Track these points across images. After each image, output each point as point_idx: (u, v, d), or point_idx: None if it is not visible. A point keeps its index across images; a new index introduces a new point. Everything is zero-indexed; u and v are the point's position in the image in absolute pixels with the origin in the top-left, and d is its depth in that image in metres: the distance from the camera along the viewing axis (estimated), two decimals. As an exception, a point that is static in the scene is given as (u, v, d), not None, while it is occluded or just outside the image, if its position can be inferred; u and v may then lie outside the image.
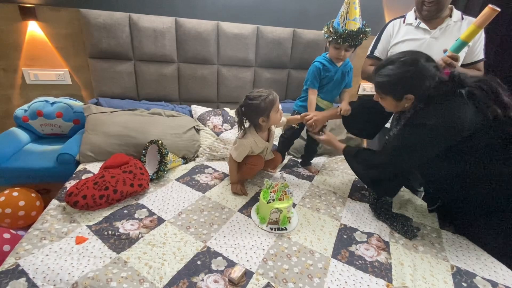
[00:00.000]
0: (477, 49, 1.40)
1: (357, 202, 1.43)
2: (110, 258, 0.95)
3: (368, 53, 1.62)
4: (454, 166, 1.06)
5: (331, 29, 1.33)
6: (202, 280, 0.89)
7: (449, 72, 1.02)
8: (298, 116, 1.48)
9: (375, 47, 1.58)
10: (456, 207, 1.22)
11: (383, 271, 1.00)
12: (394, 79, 1.01)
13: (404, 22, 1.48)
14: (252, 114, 1.28)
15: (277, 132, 1.78)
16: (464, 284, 0.97)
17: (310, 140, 1.67)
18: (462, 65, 1.40)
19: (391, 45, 1.51)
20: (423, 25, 1.41)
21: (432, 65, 0.99)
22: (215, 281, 0.89)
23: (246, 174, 1.45)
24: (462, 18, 1.38)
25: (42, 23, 1.72)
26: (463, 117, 0.94)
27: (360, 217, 1.31)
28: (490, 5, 1.01)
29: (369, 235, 1.18)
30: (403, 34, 1.46)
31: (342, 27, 1.29)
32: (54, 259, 0.91)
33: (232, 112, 1.98)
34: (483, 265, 1.05)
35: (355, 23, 1.28)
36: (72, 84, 1.91)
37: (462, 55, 1.33)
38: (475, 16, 1.13)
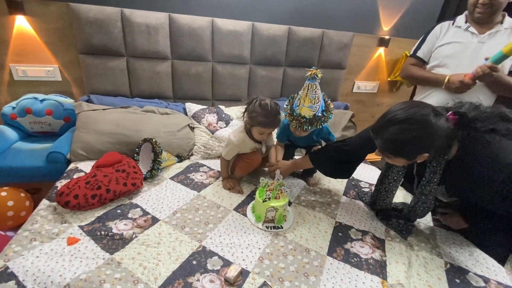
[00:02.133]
0: None
1: (352, 199, 1.44)
2: (103, 259, 0.93)
3: (412, 52, 1.61)
4: None
5: (290, 111, 1.27)
6: (198, 280, 0.88)
7: (455, 115, 0.91)
8: (272, 157, 1.49)
9: (419, 47, 1.57)
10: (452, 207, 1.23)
11: (378, 268, 1.01)
12: (403, 144, 0.88)
13: (453, 25, 1.47)
14: (245, 112, 1.32)
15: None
16: (457, 280, 0.98)
17: None
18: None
19: (436, 46, 1.51)
20: (472, 28, 1.40)
21: (443, 120, 0.86)
22: (211, 281, 0.88)
23: (242, 170, 1.43)
24: None
25: (30, 17, 1.66)
26: (507, 149, 0.86)
27: (355, 214, 1.31)
28: None
29: (364, 233, 1.19)
30: (451, 36, 1.46)
31: (297, 108, 1.24)
32: (45, 261, 0.89)
33: (227, 110, 1.96)
34: (475, 261, 1.07)
35: (310, 110, 1.21)
36: (62, 81, 1.86)
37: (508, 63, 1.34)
38: None
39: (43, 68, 1.79)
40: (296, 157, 1.66)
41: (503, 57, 1.17)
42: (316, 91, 1.20)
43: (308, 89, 1.20)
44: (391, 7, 2.31)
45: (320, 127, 1.29)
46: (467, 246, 1.15)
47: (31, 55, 1.74)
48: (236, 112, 1.95)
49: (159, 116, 1.76)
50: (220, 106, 2.00)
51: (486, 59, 1.23)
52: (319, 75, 1.18)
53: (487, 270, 1.04)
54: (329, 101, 1.31)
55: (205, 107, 1.95)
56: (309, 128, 1.25)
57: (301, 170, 1.62)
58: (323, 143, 1.50)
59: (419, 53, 1.57)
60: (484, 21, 1.37)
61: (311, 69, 1.19)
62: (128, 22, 1.72)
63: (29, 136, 1.77)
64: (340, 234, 1.17)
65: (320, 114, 1.24)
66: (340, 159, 1.27)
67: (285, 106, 1.32)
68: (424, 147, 0.88)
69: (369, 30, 2.34)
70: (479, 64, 1.30)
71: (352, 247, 1.11)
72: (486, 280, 0.99)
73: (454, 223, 1.21)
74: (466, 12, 1.46)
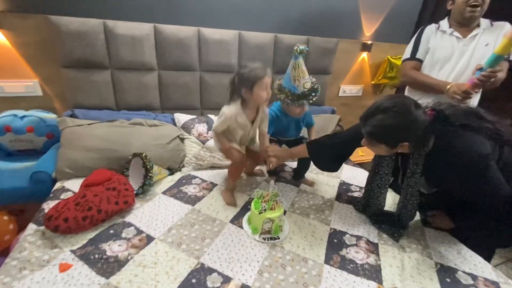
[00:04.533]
0: None
1: (344, 204, 1.47)
2: (99, 284, 0.90)
3: (408, 56, 1.63)
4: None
5: (287, 91, 1.36)
6: (199, 299, 0.88)
7: (432, 110, 1.01)
8: (266, 143, 1.45)
9: (416, 49, 1.61)
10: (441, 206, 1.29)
11: (373, 273, 1.04)
12: (388, 129, 0.98)
13: (438, 29, 1.55)
14: (238, 83, 1.25)
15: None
16: (448, 280, 1.03)
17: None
18: None
19: (431, 48, 1.56)
20: (456, 33, 1.49)
21: (421, 112, 0.97)
22: (212, 299, 0.88)
23: (231, 176, 1.43)
24: (492, 25, 1.46)
25: (7, 31, 1.58)
26: (479, 142, 0.95)
27: (348, 219, 1.35)
28: None
29: (358, 238, 1.22)
30: (438, 41, 1.54)
31: (298, 87, 1.33)
32: (37, 291, 0.85)
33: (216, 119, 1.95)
34: (463, 259, 1.13)
35: (310, 81, 1.36)
36: (43, 96, 1.79)
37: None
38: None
39: (22, 83, 1.71)
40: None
41: (497, 58, 1.21)
42: (302, 63, 1.30)
43: (298, 66, 1.29)
44: (372, 13, 2.39)
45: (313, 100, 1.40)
46: (455, 244, 1.21)
47: (9, 70, 1.66)
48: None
49: (148, 128, 1.72)
50: (209, 115, 1.99)
51: (480, 68, 1.27)
52: (304, 51, 1.27)
53: (474, 267, 1.09)
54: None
55: (194, 117, 1.93)
56: (315, 96, 1.37)
57: (292, 173, 1.68)
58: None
59: (418, 55, 1.60)
60: (472, 22, 1.45)
61: (297, 46, 1.26)
62: (111, 34, 1.68)
63: (9, 155, 1.68)
64: (335, 240, 1.20)
65: (313, 84, 1.38)
66: (333, 150, 1.34)
67: (280, 96, 1.42)
68: (404, 134, 0.98)
69: (352, 36, 2.41)
70: (464, 66, 1.43)
71: (347, 253, 1.13)
72: (474, 278, 1.04)
73: (443, 224, 1.27)
74: (447, 17, 1.54)
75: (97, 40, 1.66)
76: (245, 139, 1.43)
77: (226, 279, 0.96)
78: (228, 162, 1.72)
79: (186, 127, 1.86)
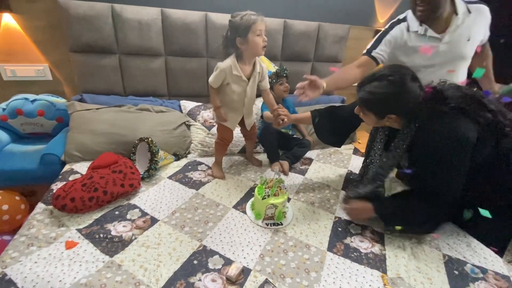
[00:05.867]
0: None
1: (350, 194, 1.44)
2: (103, 262, 0.92)
3: (364, 51, 1.39)
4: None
5: (269, 75, 1.68)
6: (200, 280, 0.88)
7: (431, 88, 0.97)
8: (273, 102, 1.45)
9: (374, 47, 1.35)
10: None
11: (377, 262, 1.02)
12: (378, 98, 0.98)
13: (408, 30, 1.29)
14: (231, 34, 1.21)
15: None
16: (456, 272, 1.00)
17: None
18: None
19: (401, 59, 1.35)
20: (431, 32, 1.24)
21: (417, 85, 0.96)
22: (213, 280, 0.88)
23: (218, 151, 1.49)
24: (469, 12, 1.21)
25: (17, 15, 1.61)
26: (464, 128, 0.91)
27: (354, 209, 1.32)
28: None
29: (363, 227, 1.19)
30: (412, 44, 1.29)
31: (272, 71, 1.77)
32: (44, 266, 0.87)
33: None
34: (473, 252, 1.09)
35: (275, 67, 1.88)
36: (53, 80, 1.81)
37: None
38: None
39: (32, 68, 1.74)
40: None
41: None
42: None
43: (263, 60, 1.76)
44: (387, 2, 2.28)
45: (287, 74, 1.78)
46: (464, 237, 1.17)
47: (20, 54, 1.69)
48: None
49: (155, 114, 1.73)
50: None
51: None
52: None
53: (484, 260, 1.05)
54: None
55: (200, 103, 1.92)
56: (284, 70, 1.76)
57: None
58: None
59: (374, 53, 1.34)
60: (429, 18, 1.21)
61: None
62: (119, 18, 1.67)
63: (21, 138, 1.73)
64: (339, 229, 1.18)
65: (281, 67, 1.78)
66: (337, 121, 1.35)
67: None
68: (393, 106, 0.97)
69: (365, 22, 2.32)
70: (449, 64, 1.27)
71: (352, 241, 1.11)
72: (484, 271, 1.00)
73: (358, 212, 1.18)
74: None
75: (105, 24, 1.66)
76: (241, 101, 1.36)
77: (228, 262, 0.96)
78: (235, 148, 1.73)
79: (192, 114, 1.85)
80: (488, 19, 1.26)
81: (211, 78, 1.31)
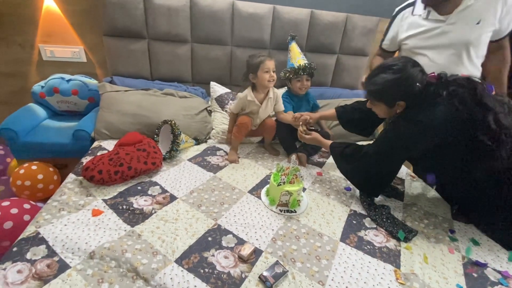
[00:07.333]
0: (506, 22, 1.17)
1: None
2: (125, 231, 0.98)
3: (380, 43, 1.54)
4: (450, 169, 1.11)
5: (289, 69, 1.73)
6: (213, 255, 0.92)
7: (437, 75, 1.02)
8: (289, 117, 1.56)
9: (384, 38, 1.50)
10: (467, 203, 1.22)
11: (391, 257, 1.01)
12: (385, 87, 1.04)
13: (413, 13, 1.30)
14: (247, 70, 1.51)
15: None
16: (475, 275, 0.96)
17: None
18: (491, 42, 1.22)
19: (400, 38, 1.37)
20: (433, 14, 1.21)
21: (418, 70, 1.01)
22: (225, 257, 0.92)
23: (236, 136, 1.54)
24: None
25: (58, -1, 1.71)
26: (439, 115, 0.96)
27: (370, 204, 1.30)
28: None
29: (379, 222, 1.17)
30: (414, 28, 1.29)
31: (295, 64, 1.71)
32: (72, 229, 0.95)
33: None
34: (495, 256, 1.04)
35: (303, 60, 1.73)
36: (87, 62, 1.92)
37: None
38: None
39: (69, 49, 1.85)
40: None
41: None
42: (294, 46, 1.80)
43: (292, 49, 1.78)
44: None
45: (313, 73, 1.75)
46: (487, 240, 1.12)
47: (58, 36, 1.80)
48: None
49: (178, 99, 1.78)
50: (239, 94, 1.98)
51: None
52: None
53: (506, 265, 1.00)
54: None
55: (229, 91, 1.93)
56: (312, 72, 1.72)
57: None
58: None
59: (383, 45, 1.48)
60: (439, 2, 1.17)
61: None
62: (150, 4, 1.73)
63: (56, 115, 1.86)
64: (354, 221, 1.17)
65: (309, 63, 1.72)
66: (362, 114, 1.36)
67: (282, 76, 1.75)
68: (400, 92, 1.02)
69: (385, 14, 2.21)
70: (452, 46, 1.21)
71: (366, 235, 1.10)
72: (505, 276, 0.96)
73: (311, 140, 1.39)
74: None
75: (137, 9, 1.72)
76: (254, 120, 1.60)
77: (240, 241, 0.99)
78: (254, 138, 1.76)
79: (221, 101, 1.86)
80: (510, 5, 1.13)
81: (232, 106, 1.63)
